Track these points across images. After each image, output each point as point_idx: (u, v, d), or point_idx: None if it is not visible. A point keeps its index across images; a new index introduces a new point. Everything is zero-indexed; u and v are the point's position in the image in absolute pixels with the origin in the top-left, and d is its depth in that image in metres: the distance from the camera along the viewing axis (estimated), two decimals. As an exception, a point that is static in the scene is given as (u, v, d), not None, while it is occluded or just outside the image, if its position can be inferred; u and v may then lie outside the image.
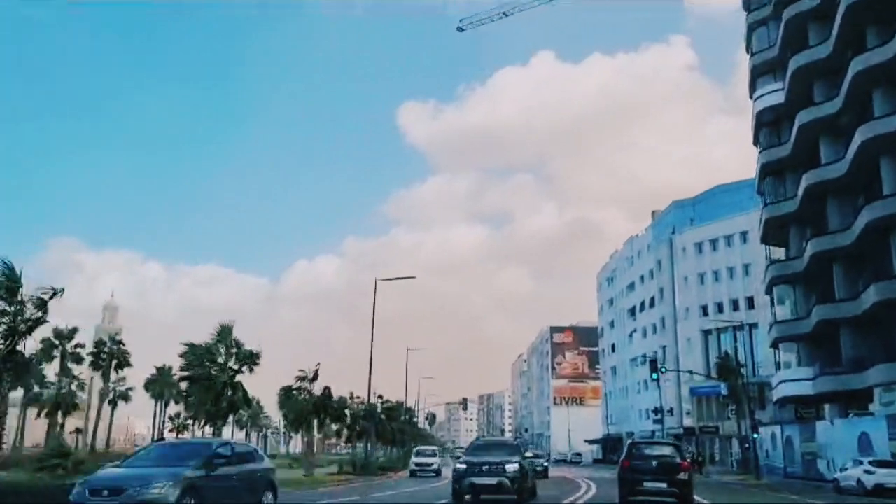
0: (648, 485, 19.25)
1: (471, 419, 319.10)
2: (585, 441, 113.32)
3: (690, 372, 71.93)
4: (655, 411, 74.05)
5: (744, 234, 69.11)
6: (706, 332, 71.46)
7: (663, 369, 42.33)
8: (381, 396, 71.54)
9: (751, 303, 67.42)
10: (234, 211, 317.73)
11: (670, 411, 74.09)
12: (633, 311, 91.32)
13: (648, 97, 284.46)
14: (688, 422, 72.92)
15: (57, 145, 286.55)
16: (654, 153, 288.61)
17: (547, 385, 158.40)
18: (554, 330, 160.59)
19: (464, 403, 71.90)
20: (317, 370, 44.02)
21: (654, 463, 19.70)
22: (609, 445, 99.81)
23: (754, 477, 43.63)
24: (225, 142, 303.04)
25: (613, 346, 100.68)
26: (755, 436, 43.18)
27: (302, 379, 44.33)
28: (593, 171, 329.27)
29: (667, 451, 20.85)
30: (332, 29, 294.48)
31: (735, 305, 69.13)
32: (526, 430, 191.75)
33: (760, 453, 47.80)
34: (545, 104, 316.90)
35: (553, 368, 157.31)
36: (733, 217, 69.71)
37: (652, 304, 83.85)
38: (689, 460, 21.73)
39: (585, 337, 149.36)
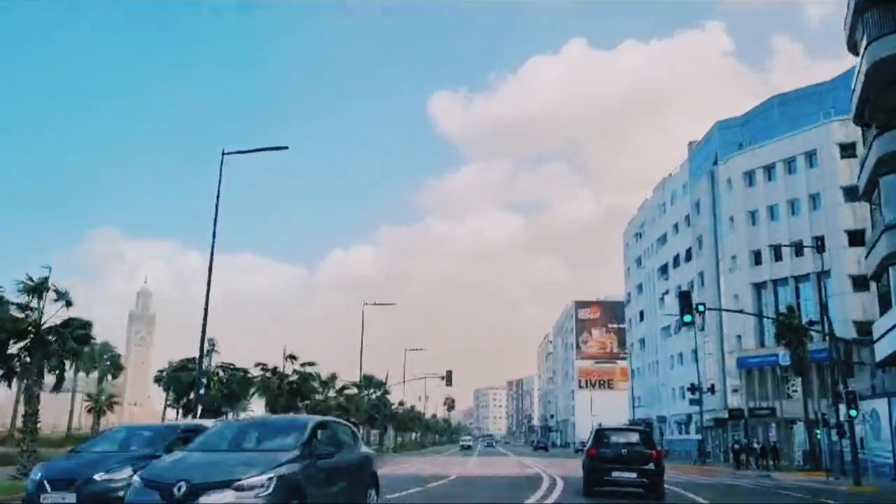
0: (617, 474, 17.75)
1: (500, 406, 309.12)
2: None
3: (738, 337, 55.89)
4: (692, 389, 57.81)
5: (810, 155, 52.49)
6: (758, 287, 55.15)
7: (700, 307, 26.32)
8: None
9: (821, 244, 50.71)
10: (269, 201, 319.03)
11: (711, 389, 57.82)
12: (664, 269, 74.95)
13: (683, 83, 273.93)
14: (734, 401, 56.71)
15: (98, 139, 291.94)
16: (690, 138, 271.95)
17: (571, 366, 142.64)
18: (579, 305, 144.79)
19: (447, 378, 56.24)
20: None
21: (623, 451, 17.97)
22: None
23: (838, 476, 27.69)
24: (260, 134, 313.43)
25: (641, 314, 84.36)
26: (853, 413, 26.99)
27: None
28: (628, 158, 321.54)
29: (637, 438, 19.00)
30: (364, 20, 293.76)
31: (798, 250, 52.52)
32: (552, 417, 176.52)
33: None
34: (578, 91, 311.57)
35: (578, 347, 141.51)
36: (796, 133, 53.10)
37: (688, 257, 67.49)
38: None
39: (614, 312, 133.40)
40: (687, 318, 26.87)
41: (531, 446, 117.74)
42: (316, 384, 35.11)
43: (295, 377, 34.58)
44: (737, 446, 48.64)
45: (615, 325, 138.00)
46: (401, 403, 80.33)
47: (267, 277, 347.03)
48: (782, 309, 48.96)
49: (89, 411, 49.32)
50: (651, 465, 17.81)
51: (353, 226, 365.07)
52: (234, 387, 25.54)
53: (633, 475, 17.72)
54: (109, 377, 69.05)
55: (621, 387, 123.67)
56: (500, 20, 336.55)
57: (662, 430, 75.50)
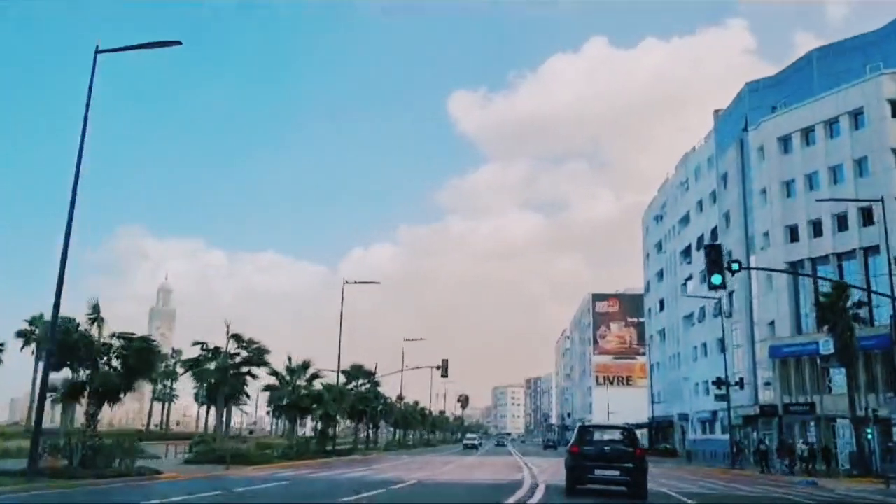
0: (599, 472, 17.35)
1: (518, 405, 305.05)
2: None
3: (771, 324, 49.36)
4: (718, 383, 51.29)
5: (856, 115, 45.91)
6: (795, 266, 48.51)
7: (734, 265, 19.84)
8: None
9: (866, 217, 44.27)
10: (292, 201, 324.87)
11: (739, 383, 51.32)
12: (687, 252, 68.34)
13: (705, 81, 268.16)
14: (766, 396, 50.15)
15: (124, 139, 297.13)
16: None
17: (588, 362, 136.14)
18: (597, 298, 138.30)
19: (443, 369, 50.17)
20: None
21: (606, 449, 17.88)
22: (656, 430, 77.07)
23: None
24: (282, 135, 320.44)
25: (662, 303, 77.71)
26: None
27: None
28: (649, 156, 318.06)
29: (620, 436, 18.91)
30: (384, 21, 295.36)
31: (841, 223, 46.07)
32: (569, 415, 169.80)
33: None
34: (598, 90, 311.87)
35: (595, 342, 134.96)
36: (839, 91, 46.49)
37: (714, 238, 60.81)
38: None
39: (633, 306, 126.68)
40: (716, 278, 20.65)
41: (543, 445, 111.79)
42: (267, 370, 29.26)
43: (240, 359, 28.67)
44: (762, 447, 42.51)
45: (635, 320, 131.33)
46: (399, 398, 74.45)
47: (289, 276, 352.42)
48: (826, 286, 42.52)
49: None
50: (633, 464, 17.32)
51: (374, 224, 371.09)
52: (132, 362, 20.10)
53: (616, 473, 17.29)
54: None
55: (641, 384, 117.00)
56: (520, 20, 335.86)
57: (684, 429, 68.93)
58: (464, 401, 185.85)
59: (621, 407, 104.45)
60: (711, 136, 63.09)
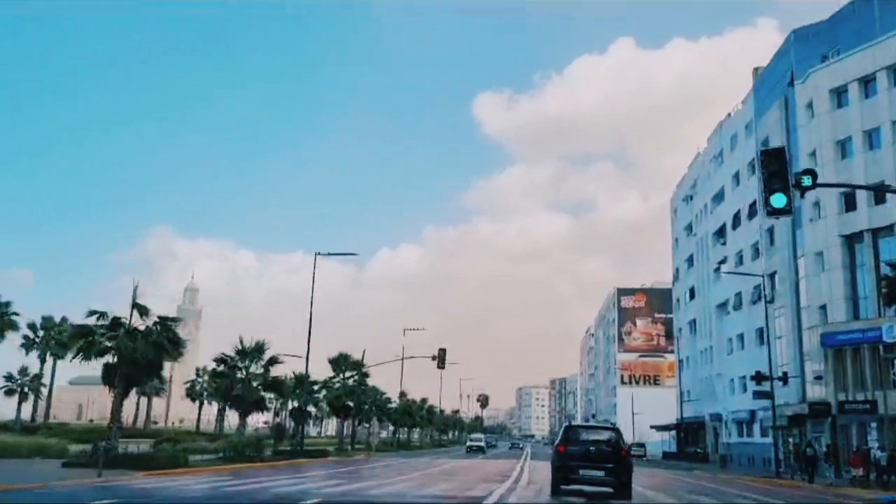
0: (584, 472, 17.30)
1: (542, 405, 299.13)
2: (652, 427, 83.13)
3: (822, 308, 42.10)
4: (758, 378, 43.93)
5: (928, 57, 38.34)
6: (851, 239, 41.18)
7: (805, 180, 12.52)
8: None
9: (943, 177, 36.76)
10: (320, 202, 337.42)
11: (783, 378, 43.74)
12: (720, 233, 60.92)
13: (734, 81, 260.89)
14: (816, 393, 42.71)
15: (153, 141, 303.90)
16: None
17: (613, 360, 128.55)
18: (622, 293, 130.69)
19: (439, 359, 43.34)
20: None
21: (592, 449, 17.50)
22: (685, 432, 69.58)
23: None
24: (309, 136, 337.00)
25: (692, 291, 70.17)
26: None
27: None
28: (678, 157, 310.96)
29: (606, 436, 18.56)
30: (408, 22, 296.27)
31: (909, 187, 38.42)
32: (593, 416, 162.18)
33: None
34: (625, 91, 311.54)
35: (620, 339, 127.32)
36: (907, 29, 39.03)
37: (752, 213, 53.53)
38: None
39: (661, 301, 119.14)
40: (777, 199, 13.69)
41: None
42: (182, 348, 22.88)
43: (150, 333, 22.23)
44: (809, 451, 35.35)
45: (662, 316, 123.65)
46: (402, 395, 67.93)
47: (317, 275, 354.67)
48: (889, 259, 35.23)
49: None
50: (618, 464, 17.30)
51: (401, 226, 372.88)
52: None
53: (601, 473, 17.23)
54: None
55: (670, 384, 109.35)
56: (545, 21, 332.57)
57: (717, 431, 61.46)
58: (483, 400, 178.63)
59: (647, 407, 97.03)
60: (750, 98, 55.62)
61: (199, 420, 73.60)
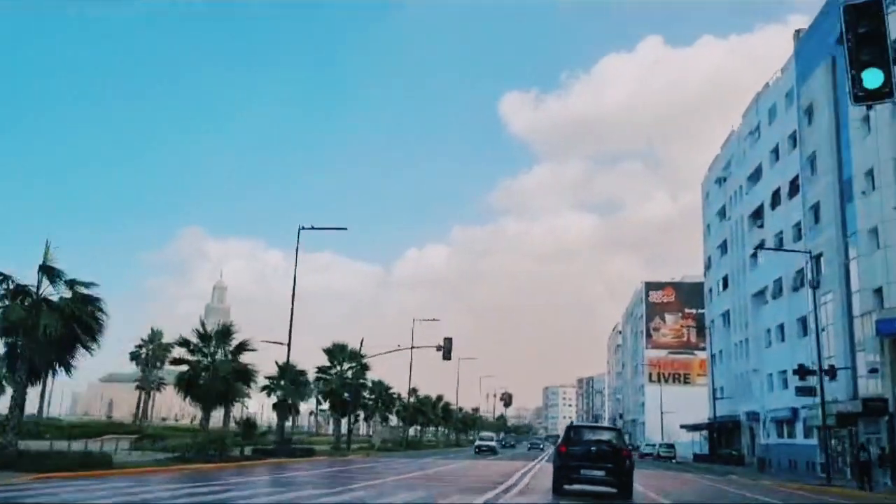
0: (585, 472, 17.36)
1: (569, 405, 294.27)
2: (682, 427, 77.89)
3: (877, 291, 37.04)
4: (801, 373, 39.02)
5: None
6: (912, 213, 35.97)
7: None
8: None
9: None
10: (347, 202, 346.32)
11: (830, 371, 38.63)
12: (757, 214, 55.78)
13: (763, 78, 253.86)
14: (870, 388, 37.53)
15: (185, 144, 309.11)
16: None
17: (641, 357, 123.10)
18: (650, 287, 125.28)
19: (445, 351, 38.92)
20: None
21: (593, 449, 17.49)
22: (718, 433, 64.37)
23: None
24: (336, 137, 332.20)
25: (725, 280, 64.94)
26: None
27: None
28: (707, 156, 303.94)
29: (607, 436, 19.00)
30: (434, 22, 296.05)
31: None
32: (620, 416, 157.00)
33: None
34: (653, 89, 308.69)
35: (648, 335, 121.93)
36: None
37: (793, 191, 48.41)
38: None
39: (691, 296, 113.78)
40: (872, 77, 9.17)
41: None
42: (100, 334, 18.69)
43: (62, 307, 18.11)
44: (863, 455, 30.55)
45: (693, 311, 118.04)
46: (413, 391, 63.70)
47: (344, 276, 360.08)
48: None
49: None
50: (620, 464, 17.21)
51: (428, 226, 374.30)
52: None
53: (602, 473, 17.25)
54: None
55: (700, 381, 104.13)
56: (573, 20, 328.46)
57: (754, 431, 56.30)
58: (506, 399, 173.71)
59: (677, 406, 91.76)
60: (790, 64, 50.41)
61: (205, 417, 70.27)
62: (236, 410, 65.26)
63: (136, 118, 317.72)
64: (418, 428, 73.74)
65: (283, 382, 34.60)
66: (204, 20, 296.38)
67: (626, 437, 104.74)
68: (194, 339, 27.38)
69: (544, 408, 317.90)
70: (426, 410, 68.66)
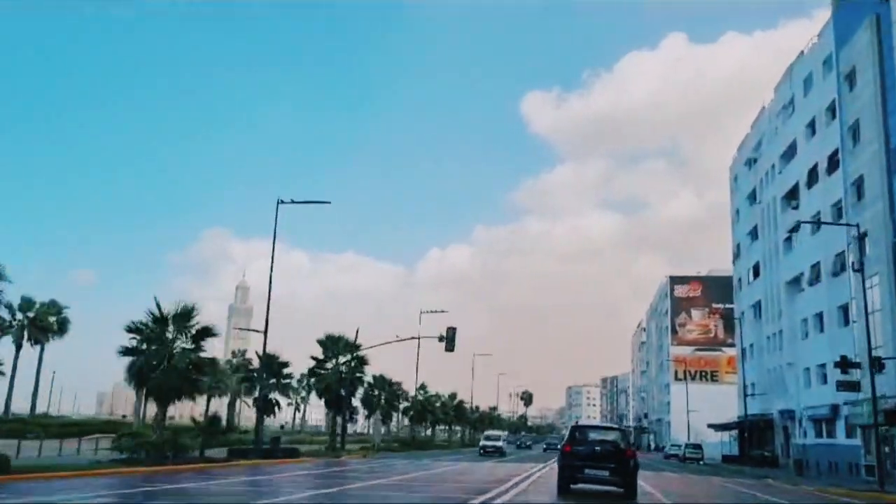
0: (589, 472, 17.52)
1: (593, 405, 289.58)
2: (710, 426, 73.37)
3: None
4: (843, 365, 34.91)
5: None
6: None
7: None
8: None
9: None
10: (369, 203, 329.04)
11: (877, 364, 34.30)
12: (792, 194, 51.36)
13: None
14: (926, 382, 33.24)
15: (210, 147, 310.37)
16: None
17: (667, 354, 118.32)
18: (675, 281, 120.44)
19: (447, 341, 35.12)
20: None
21: (597, 448, 17.67)
22: (749, 432, 59.86)
23: None
24: (359, 138, 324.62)
25: (756, 269, 60.47)
26: None
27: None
28: (732, 154, 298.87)
29: (612, 436, 18.75)
30: (455, 22, 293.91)
31: None
32: (645, 416, 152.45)
33: None
34: (677, 86, 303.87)
35: (674, 331, 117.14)
36: None
37: (833, 165, 44.03)
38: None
39: (719, 290, 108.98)
40: None
41: None
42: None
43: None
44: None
45: (720, 306, 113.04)
46: (422, 388, 60.09)
47: (368, 276, 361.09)
48: None
49: None
50: (624, 463, 17.34)
51: (451, 225, 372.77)
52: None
53: (606, 473, 17.36)
54: None
55: (728, 380, 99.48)
56: (594, 18, 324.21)
57: (789, 430, 51.91)
58: (527, 398, 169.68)
59: (704, 405, 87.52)
60: (828, 28, 45.98)
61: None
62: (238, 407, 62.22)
63: (161, 121, 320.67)
64: (427, 426, 70.02)
65: (264, 376, 31.06)
66: (231, 21, 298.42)
67: (651, 437, 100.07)
68: (149, 324, 23.85)
69: (567, 408, 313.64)
70: (435, 408, 64.96)
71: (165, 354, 23.81)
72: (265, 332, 28.80)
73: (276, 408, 32.72)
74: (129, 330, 23.87)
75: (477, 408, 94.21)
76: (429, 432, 71.88)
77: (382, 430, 60.24)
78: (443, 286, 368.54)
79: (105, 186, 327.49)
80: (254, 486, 17.86)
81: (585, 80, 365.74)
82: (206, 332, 24.62)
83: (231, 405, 72.54)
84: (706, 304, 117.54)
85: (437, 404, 66.79)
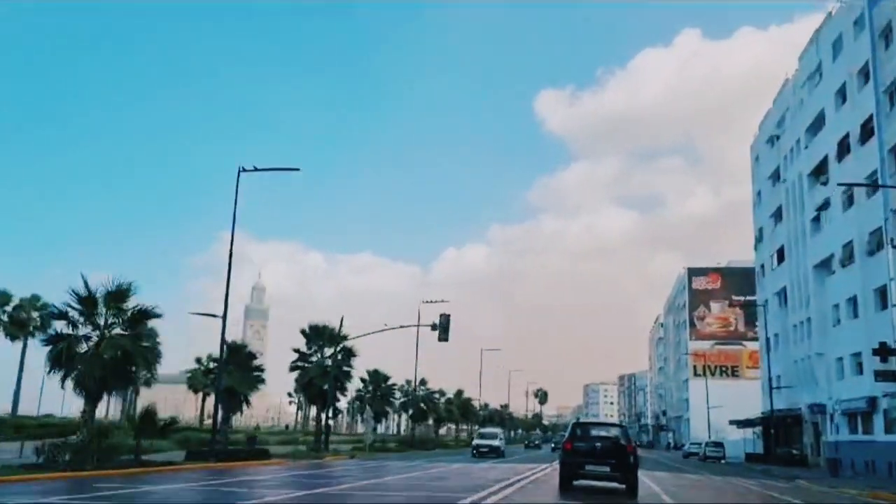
0: (590, 468, 17.70)
1: (611, 403, 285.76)
2: (732, 423, 69.13)
3: None
4: (881, 353, 30.95)
5: None
6: None
7: None
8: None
9: None
10: (385, 203, 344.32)
11: (922, 351, 30.28)
12: (820, 169, 47.20)
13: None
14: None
15: (224, 147, 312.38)
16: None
17: (685, 349, 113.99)
18: (693, 273, 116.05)
19: (441, 329, 31.66)
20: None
21: (598, 445, 17.81)
22: (775, 428, 55.55)
23: None
24: (374, 137, 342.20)
25: (780, 253, 56.27)
26: None
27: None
28: (749, 150, 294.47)
29: (613, 433, 18.84)
30: (467, 20, 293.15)
31: None
32: (664, 413, 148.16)
33: None
34: (692, 83, 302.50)
35: (692, 325, 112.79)
36: None
37: (867, 134, 39.88)
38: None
39: (739, 282, 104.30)
40: None
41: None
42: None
43: None
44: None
45: (741, 298, 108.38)
46: (422, 382, 56.43)
47: (384, 276, 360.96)
48: None
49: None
50: (624, 459, 17.38)
51: (466, 225, 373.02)
52: None
53: (607, 469, 17.43)
54: None
55: (750, 375, 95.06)
56: (607, 15, 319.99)
57: (819, 426, 47.79)
58: (541, 396, 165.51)
59: (724, 402, 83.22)
60: (861, -19, 41.84)
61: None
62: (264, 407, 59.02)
63: (177, 120, 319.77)
64: (432, 425, 66.32)
65: (228, 367, 27.48)
66: (247, 22, 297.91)
67: (670, 436, 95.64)
68: (73, 305, 20.33)
69: (585, 406, 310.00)
70: (438, 405, 61.17)
71: (91, 341, 20.27)
72: (224, 317, 25.30)
73: (244, 404, 29.14)
74: (54, 315, 20.39)
75: (486, 405, 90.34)
76: (434, 431, 68.16)
77: (379, 429, 56.77)
78: (458, 286, 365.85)
79: (123, 190, 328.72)
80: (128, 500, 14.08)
81: (599, 78, 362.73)
82: (145, 315, 21.07)
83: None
84: (726, 296, 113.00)
85: (442, 401, 63.14)
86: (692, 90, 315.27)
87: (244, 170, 25.73)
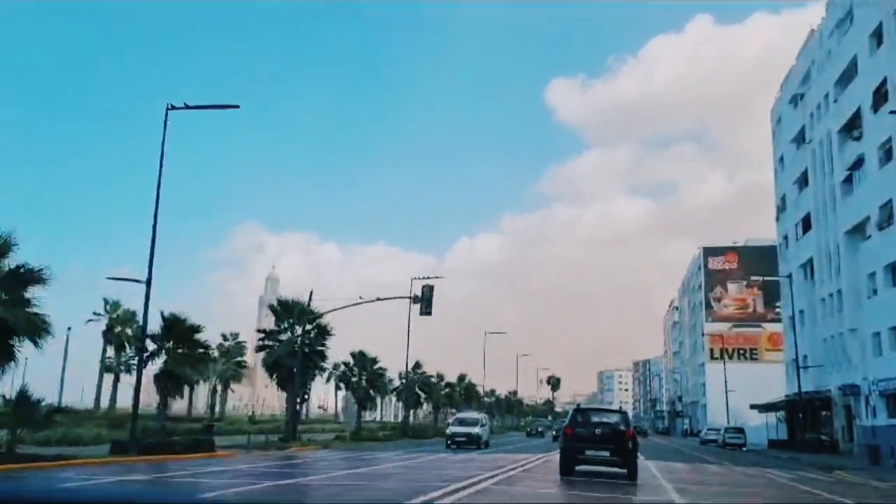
0: (591, 453, 18.02)
1: (626, 389, 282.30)
2: (752, 407, 64.51)
3: None
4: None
5: None
6: None
7: None
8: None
9: None
10: (399, 194, 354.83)
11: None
12: (852, 124, 42.34)
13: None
14: None
15: (241, 141, 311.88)
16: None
17: (701, 332, 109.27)
18: (709, 253, 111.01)
19: (423, 303, 27.87)
20: None
21: (598, 431, 18.06)
22: (802, 412, 50.83)
23: None
24: (385, 129, 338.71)
25: (806, 221, 51.49)
26: None
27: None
28: (763, 136, 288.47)
29: (613, 418, 19.02)
30: (477, 10, 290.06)
31: None
32: (679, 399, 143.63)
33: None
34: (704, 69, 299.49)
35: (709, 306, 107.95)
36: None
37: (908, 77, 35.07)
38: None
39: (757, 261, 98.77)
40: None
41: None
42: None
43: None
44: None
45: (759, 279, 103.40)
46: (417, 366, 52.32)
47: (398, 266, 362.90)
48: None
49: None
50: (623, 444, 17.62)
51: (479, 215, 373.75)
52: None
53: (606, 454, 17.66)
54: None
55: (770, 358, 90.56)
56: (619, 4, 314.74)
57: (852, 410, 43.21)
58: (554, 383, 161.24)
59: (743, 386, 78.53)
60: None
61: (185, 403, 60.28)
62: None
63: (191, 117, 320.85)
64: (429, 412, 62.28)
65: (167, 343, 23.40)
66: (259, 21, 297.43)
67: (687, 422, 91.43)
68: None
69: (599, 392, 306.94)
70: (435, 389, 57.00)
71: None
72: (148, 283, 21.17)
73: (185, 386, 25.15)
74: None
75: (492, 391, 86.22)
76: (434, 419, 64.03)
77: (370, 416, 52.87)
78: (472, 275, 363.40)
79: (138, 185, 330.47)
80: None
81: (611, 66, 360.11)
82: (27, 278, 16.84)
83: (214, 392, 65.53)
84: (744, 276, 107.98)
85: (443, 385, 58.97)
86: (705, 76, 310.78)
87: (173, 107, 21.71)
